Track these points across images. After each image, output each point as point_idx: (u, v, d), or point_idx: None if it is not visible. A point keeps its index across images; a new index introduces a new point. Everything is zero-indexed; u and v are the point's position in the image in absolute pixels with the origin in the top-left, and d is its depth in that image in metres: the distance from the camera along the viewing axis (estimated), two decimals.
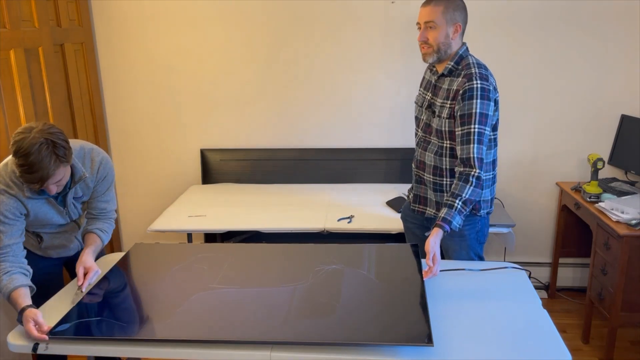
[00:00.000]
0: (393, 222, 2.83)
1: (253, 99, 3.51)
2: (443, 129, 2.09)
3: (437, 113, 2.12)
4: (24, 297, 1.78)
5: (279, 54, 3.42)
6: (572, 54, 3.25)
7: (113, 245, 3.71)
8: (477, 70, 2.00)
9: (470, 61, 2.05)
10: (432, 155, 2.17)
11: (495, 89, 2.00)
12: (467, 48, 2.09)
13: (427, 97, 2.19)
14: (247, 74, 3.47)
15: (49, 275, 2.13)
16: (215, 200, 3.22)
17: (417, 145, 2.27)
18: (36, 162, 1.71)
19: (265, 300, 1.85)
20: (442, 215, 1.99)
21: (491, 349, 1.61)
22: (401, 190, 3.26)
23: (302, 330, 1.67)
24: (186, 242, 3.09)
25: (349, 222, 2.81)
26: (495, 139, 2.11)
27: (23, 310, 1.73)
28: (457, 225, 1.97)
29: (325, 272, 2.05)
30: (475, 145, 1.96)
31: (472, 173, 1.96)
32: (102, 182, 2.08)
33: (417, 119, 2.28)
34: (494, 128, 2.07)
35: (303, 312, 1.77)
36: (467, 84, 1.98)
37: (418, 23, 2.08)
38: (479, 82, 1.96)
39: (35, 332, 1.67)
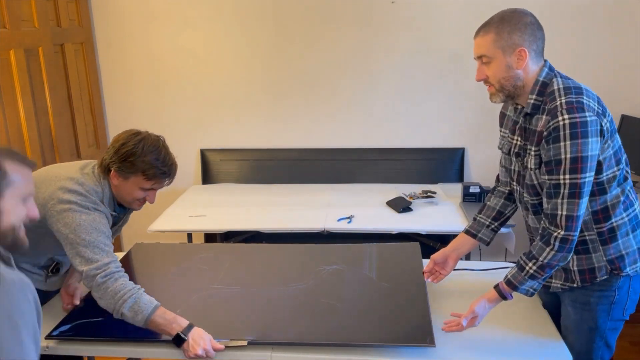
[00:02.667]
0: (393, 222, 2.83)
1: (253, 99, 3.50)
2: (534, 182, 1.63)
3: (525, 163, 1.67)
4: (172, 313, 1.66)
5: (279, 54, 3.41)
6: (571, 54, 3.25)
7: (113, 245, 3.70)
8: (563, 100, 1.50)
9: (555, 87, 1.55)
10: (533, 217, 1.71)
11: (599, 114, 1.51)
12: (549, 69, 1.60)
13: (514, 141, 1.71)
14: (247, 74, 3.47)
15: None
16: (215, 200, 3.21)
17: (519, 202, 1.80)
18: (167, 154, 1.79)
19: (266, 301, 1.84)
20: (509, 276, 1.63)
21: (492, 349, 1.61)
22: (401, 190, 3.26)
23: (302, 331, 1.67)
24: (186, 242, 3.09)
25: (349, 222, 2.81)
26: (621, 172, 1.61)
27: (191, 326, 1.63)
28: (526, 292, 1.62)
29: (326, 272, 2.04)
30: (566, 200, 1.50)
31: (556, 234, 1.53)
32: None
33: (507, 169, 1.80)
34: (618, 161, 1.60)
35: (304, 312, 1.77)
36: (551, 123, 1.50)
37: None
38: (566, 116, 1.47)
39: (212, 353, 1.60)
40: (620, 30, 3.19)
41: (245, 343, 1.61)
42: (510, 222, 1.90)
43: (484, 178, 3.44)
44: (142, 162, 1.71)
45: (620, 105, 3.26)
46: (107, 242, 1.72)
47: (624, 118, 3.17)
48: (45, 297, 1.93)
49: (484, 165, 3.47)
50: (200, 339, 1.59)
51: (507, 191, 1.85)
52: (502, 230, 1.95)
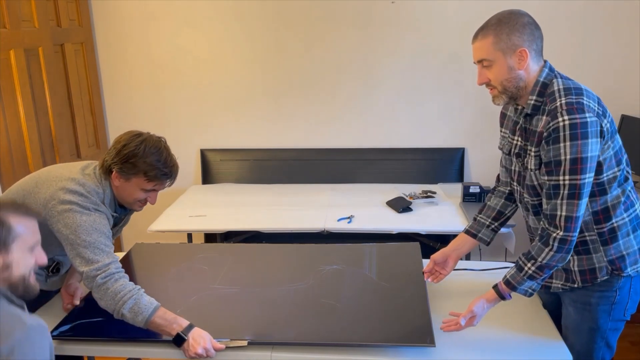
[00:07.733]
0: (393, 222, 2.83)
1: (253, 98, 3.50)
2: (534, 183, 1.64)
3: (525, 164, 1.67)
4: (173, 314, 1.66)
5: (279, 53, 3.42)
6: (571, 54, 3.25)
7: (113, 245, 3.70)
8: (563, 101, 1.50)
9: (556, 87, 1.55)
10: (533, 217, 1.71)
11: (599, 114, 1.51)
12: (549, 69, 1.59)
13: (515, 142, 1.71)
14: (247, 74, 3.47)
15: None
16: (215, 200, 3.21)
17: (519, 202, 1.79)
18: (169, 155, 1.79)
19: (266, 301, 1.84)
20: (507, 277, 1.64)
21: (492, 349, 1.61)
22: (401, 190, 3.26)
23: (303, 331, 1.67)
24: (186, 242, 3.09)
25: (349, 222, 2.81)
26: (622, 172, 1.62)
27: (191, 326, 1.63)
28: (525, 293, 1.62)
29: (325, 272, 2.04)
30: (566, 201, 1.50)
31: (555, 235, 1.53)
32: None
33: (508, 169, 1.79)
34: (618, 162, 1.60)
35: (304, 312, 1.77)
36: (551, 124, 1.50)
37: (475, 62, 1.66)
38: (566, 117, 1.47)
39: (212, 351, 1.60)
40: (621, 31, 3.19)
41: (245, 343, 1.61)
42: (510, 222, 1.91)
43: (484, 178, 3.44)
44: (144, 163, 1.72)
45: (620, 105, 3.26)
46: (108, 242, 1.72)
47: (624, 118, 3.17)
48: (45, 296, 1.93)
49: (484, 165, 3.47)
50: (200, 338, 1.59)
51: (507, 191, 1.85)
52: (502, 230, 1.95)
